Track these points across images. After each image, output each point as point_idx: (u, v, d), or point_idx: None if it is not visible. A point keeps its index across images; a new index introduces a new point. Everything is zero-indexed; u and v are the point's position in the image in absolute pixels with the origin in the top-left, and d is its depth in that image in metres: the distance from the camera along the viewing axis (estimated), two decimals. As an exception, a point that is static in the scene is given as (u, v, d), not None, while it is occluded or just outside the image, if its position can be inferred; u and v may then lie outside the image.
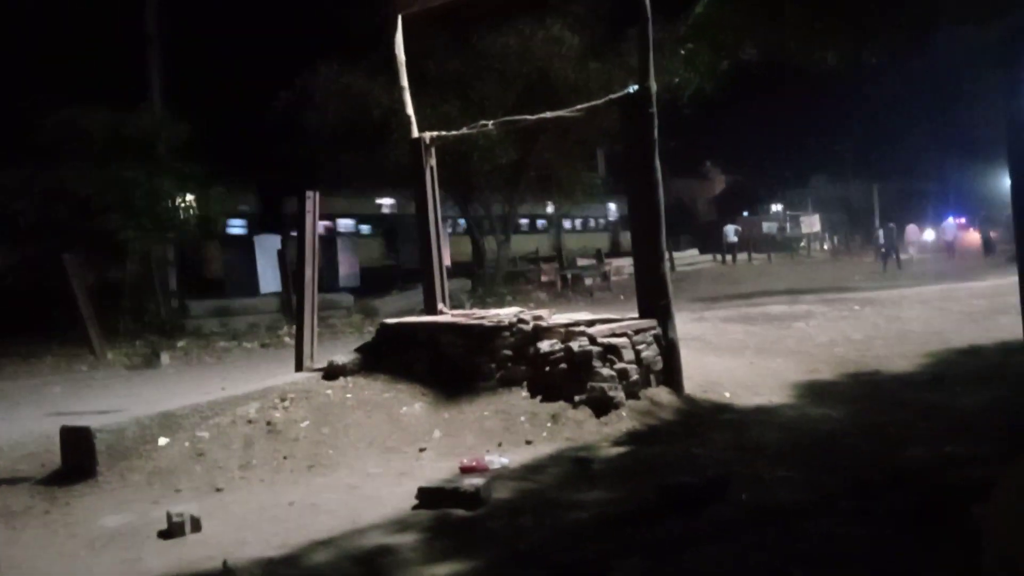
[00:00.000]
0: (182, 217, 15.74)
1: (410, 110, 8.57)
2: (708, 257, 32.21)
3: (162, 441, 5.71)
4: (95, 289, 13.25)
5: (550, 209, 32.61)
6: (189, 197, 16.26)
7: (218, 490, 5.15)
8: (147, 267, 15.40)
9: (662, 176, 6.94)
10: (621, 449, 5.45)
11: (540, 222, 36.27)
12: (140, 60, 19.09)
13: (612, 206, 41.02)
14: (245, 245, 21.36)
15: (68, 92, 14.84)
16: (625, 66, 16.30)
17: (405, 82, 8.58)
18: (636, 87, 6.99)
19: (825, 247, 39.62)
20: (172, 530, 4.23)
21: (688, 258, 30.49)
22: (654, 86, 6.96)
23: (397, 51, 8.55)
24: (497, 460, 5.23)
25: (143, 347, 12.97)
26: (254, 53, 24.75)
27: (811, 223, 40.20)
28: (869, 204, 42.24)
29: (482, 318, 7.28)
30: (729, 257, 32.12)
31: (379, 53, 10.79)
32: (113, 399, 8.62)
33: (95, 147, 14.84)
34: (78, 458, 5.43)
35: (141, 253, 14.98)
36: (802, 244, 38.07)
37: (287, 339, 13.00)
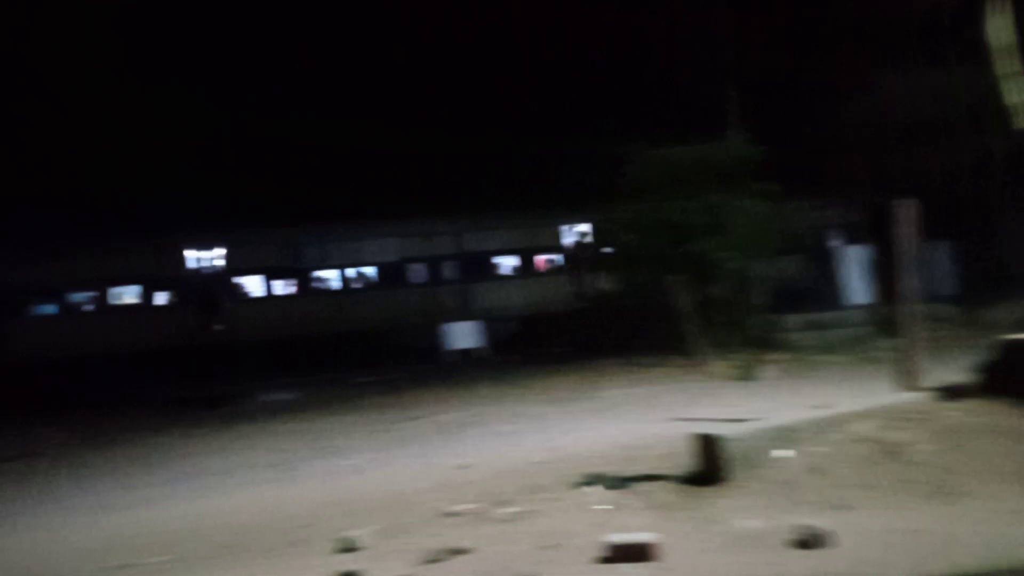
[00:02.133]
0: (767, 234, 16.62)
1: (1015, 99, 7.54)
2: None
3: (778, 453, 6.04)
4: (696, 307, 14.71)
5: None
6: (770, 213, 17.01)
7: (840, 507, 5.25)
8: (740, 283, 16.60)
9: None
10: None
11: None
12: (712, 92, 20.95)
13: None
14: (825, 256, 21.18)
15: (647, 130, 17.28)
16: None
17: (1006, 69, 7.58)
18: None
19: None
20: (807, 541, 4.47)
21: None
22: None
23: (991, 37, 7.64)
24: None
25: (742, 360, 13.87)
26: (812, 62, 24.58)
27: None
28: None
29: None
30: None
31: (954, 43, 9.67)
32: (721, 408, 9.41)
33: (685, 177, 16.68)
34: (707, 462, 6.07)
35: (734, 271, 16.24)
36: None
37: (879, 354, 12.52)
